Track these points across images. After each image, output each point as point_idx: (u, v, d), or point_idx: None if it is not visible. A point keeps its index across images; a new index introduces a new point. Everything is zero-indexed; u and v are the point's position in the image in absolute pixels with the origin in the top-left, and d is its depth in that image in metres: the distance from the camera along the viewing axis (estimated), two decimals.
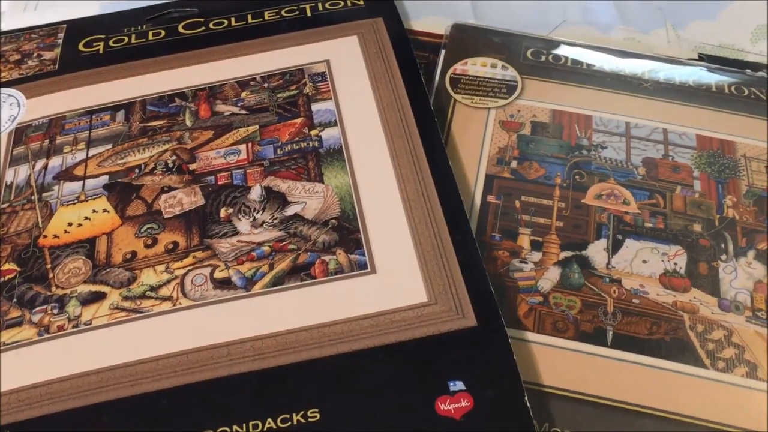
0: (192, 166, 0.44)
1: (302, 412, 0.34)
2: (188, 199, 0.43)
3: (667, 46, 0.57)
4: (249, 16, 0.53)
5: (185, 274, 0.39)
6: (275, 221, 0.41)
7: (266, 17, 0.53)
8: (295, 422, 0.34)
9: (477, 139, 0.47)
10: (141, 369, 0.36)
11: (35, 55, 0.52)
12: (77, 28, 0.53)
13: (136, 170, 0.45)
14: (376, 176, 0.43)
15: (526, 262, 0.42)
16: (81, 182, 0.44)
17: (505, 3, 0.60)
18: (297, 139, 0.45)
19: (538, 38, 0.54)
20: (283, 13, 0.53)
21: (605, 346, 0.39)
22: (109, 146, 0.46)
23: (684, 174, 0.46)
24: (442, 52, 0.52)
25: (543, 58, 0.52)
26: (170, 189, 0.43)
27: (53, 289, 0.39)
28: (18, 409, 0.35)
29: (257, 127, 0.46)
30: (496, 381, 0.35)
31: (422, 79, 0.47)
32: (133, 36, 0.52)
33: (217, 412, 0.34)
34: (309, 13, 0.53)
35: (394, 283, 0.38)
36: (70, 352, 0.37)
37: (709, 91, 0.51)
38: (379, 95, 0.46)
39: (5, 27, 0.56)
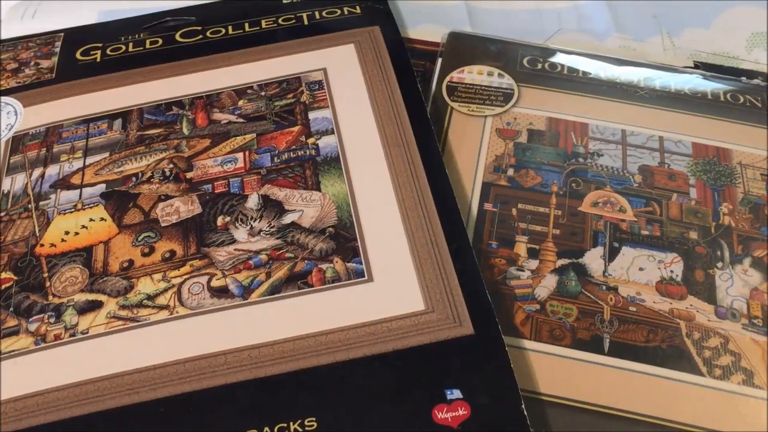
0: (189, 175, 0.44)
1: (299, 421, 0.34)
2: (185, 207, 0.43)
3: (663, 54, 0.57)
4: (246, 25, 0.53)
5: (182, 283, 0.39)
6: (272, 229, 0.41)
7: (263, 26, 0.53)
8: (292, 431, 0.34)
9: (474, 147, 0.47)
10: (138, 378, 0.36)
11: (32, 63, 0.52)
12: (74, 37, 0.54)
13: (133, 179, 0.45)
14: (373, 184, 0.43)
15: (522, 270, 0.42)
16: (78, 191, 0.44)
17: (501, 11, 0.60)
18: (294, 147, 0.45)
19: (534, 46, 0.54)
20: (280, 21, 0.53)
21: (602, 354, 0.39)
22: (107, 155, 0.46)
23: (680, 181, 0.46)
24: (439, 60, 0.52)
25: (539, 66, 0.52)
26: (167, 197, 0.43)
27: (50, 298, 0.39)
28: (15, 419, 0.35)
29: (254, 135, 0.46)
30: (493, 389, 0.35)
31: (419, 87, 0.47)
32: (131, 44, 0.52)
33: (214, 420, 0.34)
34: (306, 22, 0.53)
35: (391, 291, 0.38)
36: (67, 361, 0.37)
37: (705, 98, 0.51)
38: (376, 103, 0.47)
39: (2, 35, 0.56)
